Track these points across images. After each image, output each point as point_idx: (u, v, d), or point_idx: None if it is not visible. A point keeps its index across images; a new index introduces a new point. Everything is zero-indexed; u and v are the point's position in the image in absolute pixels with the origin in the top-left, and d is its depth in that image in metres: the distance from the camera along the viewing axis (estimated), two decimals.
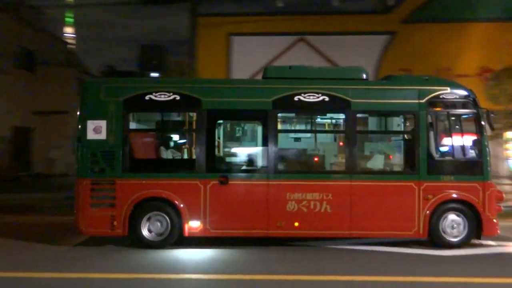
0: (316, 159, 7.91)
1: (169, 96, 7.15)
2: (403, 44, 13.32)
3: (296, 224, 6.98)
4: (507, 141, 11.74)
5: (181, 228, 6.97)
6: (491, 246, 7.34)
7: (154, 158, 7.73)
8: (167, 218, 6.98)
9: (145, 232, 7.00)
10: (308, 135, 8.07)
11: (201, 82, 8.05)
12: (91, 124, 7.06)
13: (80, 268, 6.00)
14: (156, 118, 8.02)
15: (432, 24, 13.39)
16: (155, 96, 7.15)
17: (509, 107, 10.91)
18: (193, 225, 6.98)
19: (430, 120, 7.18)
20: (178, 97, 7.16)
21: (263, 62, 11.73)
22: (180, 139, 7.74)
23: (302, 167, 7.97)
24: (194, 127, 7.36)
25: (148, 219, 6.99)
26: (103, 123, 7.05)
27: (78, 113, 7.25)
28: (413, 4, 13.53)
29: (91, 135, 7.05)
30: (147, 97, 7.15)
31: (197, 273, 5.85)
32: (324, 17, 13.65)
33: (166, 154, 7.78)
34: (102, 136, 7.05)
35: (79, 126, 7.14)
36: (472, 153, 7.17)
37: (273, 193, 7.00)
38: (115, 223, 6.94)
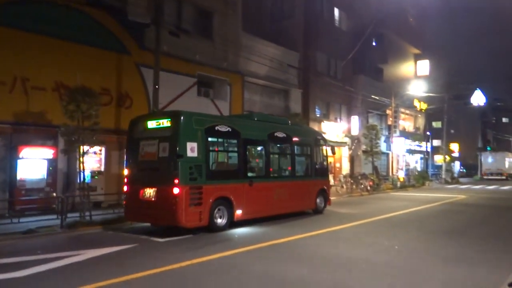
0: (282, 168, 13.15)
1: (226, 128, 10.65)
2: None
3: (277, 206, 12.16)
4: (82, 155, 11.40)
5: (233, 215, 10.63)
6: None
7: (220, 170, 10.85)
8: (226, 210, 10.46)
9: (216, 220, 10.18)
10: (278, 155, 13.13)
11: (239, 120, 11.55)
12: (189, 145, 9.58)
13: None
14: (221, 142, 10.86)
15: (8, 29, 12.24)
16: (220, 128, 10.47)
17: (84, 123, 11.19)
18: (238, 213, 10.80)
19: (316, 149, 14.12)
20: (230, 129, 10.77)
21: None
22: (234, 156, 11.01)
23: (277, 173, 12.85)
24: (238, 148, 11.06)
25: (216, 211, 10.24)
26: (195, 145, 9.72)
27: (176, 136, 9.48)
28: None
29: (189, 153, 9.57)
30: (216, 128, 10.36)
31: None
32: None
33: (228, 167, 10.97)
34: (195, 154, 9.70)
35: (179, 147, 9.44)
36: (325, 165, 14.68)
37: (270, 189, 11.89)
38: (202, 217, 9.79)
